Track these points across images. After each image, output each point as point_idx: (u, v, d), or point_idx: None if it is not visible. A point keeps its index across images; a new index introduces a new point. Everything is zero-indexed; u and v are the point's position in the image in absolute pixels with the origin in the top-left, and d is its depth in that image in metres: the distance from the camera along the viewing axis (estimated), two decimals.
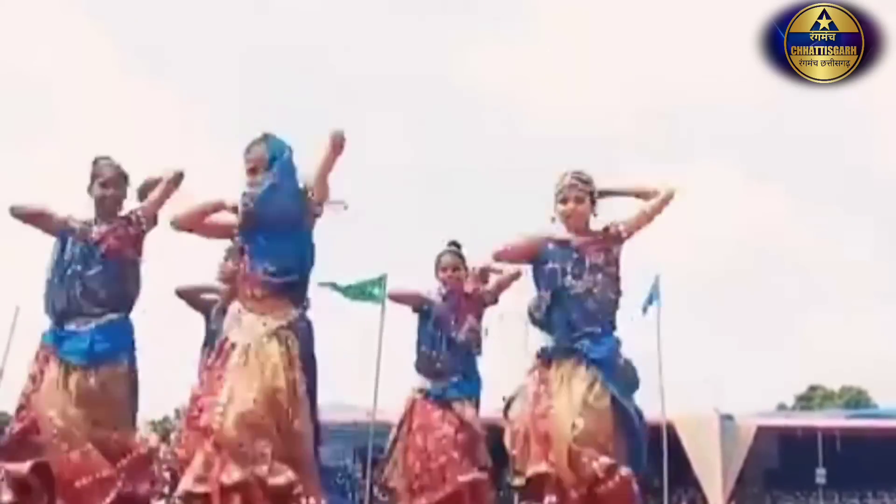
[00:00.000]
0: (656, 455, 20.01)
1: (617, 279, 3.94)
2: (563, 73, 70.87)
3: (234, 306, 3.68)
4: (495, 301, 5.02)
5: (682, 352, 53.62)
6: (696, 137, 69.90)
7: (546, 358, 3.87)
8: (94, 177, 4.17)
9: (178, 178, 4.14)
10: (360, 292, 18.59)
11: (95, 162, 4.18)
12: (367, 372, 20.11)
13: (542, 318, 3.90)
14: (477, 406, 4.96)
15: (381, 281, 18.54)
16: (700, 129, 69.88)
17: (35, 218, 4.14)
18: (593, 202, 3.99)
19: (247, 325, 3.57)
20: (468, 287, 5.01)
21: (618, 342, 3.88)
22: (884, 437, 28.35)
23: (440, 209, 65.53)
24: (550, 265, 3.88)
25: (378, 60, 70.53)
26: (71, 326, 3.96)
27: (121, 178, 4.20)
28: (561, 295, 3.84)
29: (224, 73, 71.28)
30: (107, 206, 4.15)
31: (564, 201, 3.94)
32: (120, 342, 4.02)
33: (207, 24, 75.37)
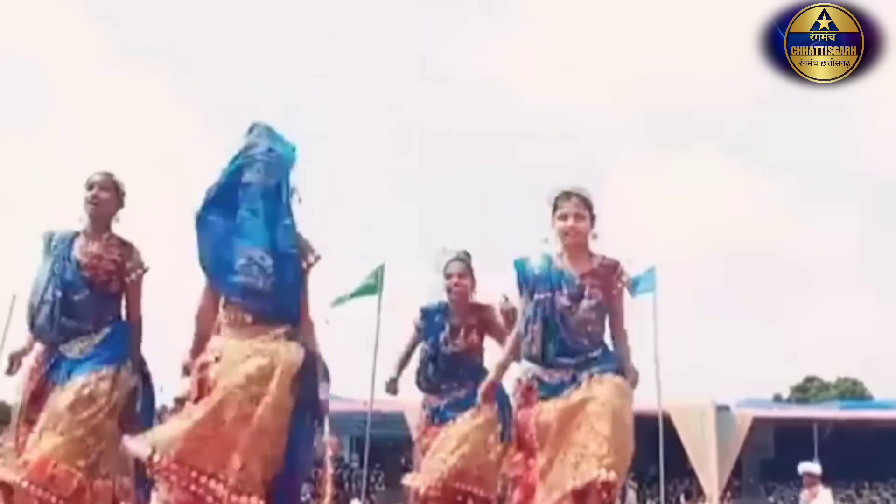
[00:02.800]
0: (653, 445, 20.08)
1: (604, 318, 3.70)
2: (560, 63, 70.73)
3: None
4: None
5: (678, 342, 53.69)
6: (692, 129, 69.84)
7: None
8: (86, 189, 4.00)
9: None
10: (361, 290, 18.56)
11: (90, 178, 3.99)
12: (364, 362, 20.13)
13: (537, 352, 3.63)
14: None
15: (378, 271, 18.54)
16: (697, 121, 69.82)
17: None
18: (593, 221, 3.72)
19: None
20: (473, 297, 4.88)
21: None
22: (879, 429, 28.46)
23: (436, 200, 65.61)
24: (539, 295, 3.64)
25: (376, 50, 70.37)
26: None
27: (113, 187, 4.02)
28: (552, 324, 3.59)
29: (219, 61, 71.05)
30: (97, 218, 4.00)
31: (564, 217, 3.66)
32: None
33: (202, 12, 75.11)
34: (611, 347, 3.71)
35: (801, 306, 69.05)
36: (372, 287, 18.49)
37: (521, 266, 3.78)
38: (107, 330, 3.92)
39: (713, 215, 67.62)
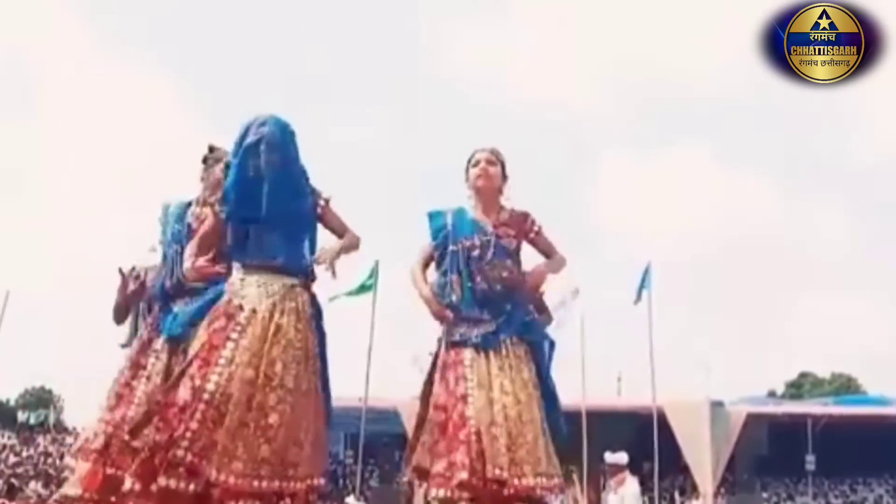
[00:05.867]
0: (647, 441, 20.12)
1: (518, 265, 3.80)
2: (546, 58, 70.73)
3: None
4: None
5: (673, 339, 53.82)
6: (688, 125, 69.98)
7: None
8: (217, 160, 3.93)
9: None
10: (359, 289, 18.57)
11: (214, 149, 4.03)
12: (359, 358, 20.13)
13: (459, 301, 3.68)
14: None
15: (372, 269, 18.55)
16: (692, 118, 69.91)
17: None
18: (504, 174, 3.86)
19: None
20: None
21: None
22: (872, 424, 28.53)
23: (429, 195, 65.54)
24: (453, 246, 3.73)
25: (372, 48, 70.32)
26: None
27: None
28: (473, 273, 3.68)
29: (213, 56, 70.91)
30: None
31: (476, 163, 3.81)
32: None
33: (199, 8, 74.95)
34: (523, 303, 3.79)
35: (795, 303, 69.35)
36: (369, 287, 18.52)
37: (435, 217, 3.87)
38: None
39: (708, 212, 67.84)
